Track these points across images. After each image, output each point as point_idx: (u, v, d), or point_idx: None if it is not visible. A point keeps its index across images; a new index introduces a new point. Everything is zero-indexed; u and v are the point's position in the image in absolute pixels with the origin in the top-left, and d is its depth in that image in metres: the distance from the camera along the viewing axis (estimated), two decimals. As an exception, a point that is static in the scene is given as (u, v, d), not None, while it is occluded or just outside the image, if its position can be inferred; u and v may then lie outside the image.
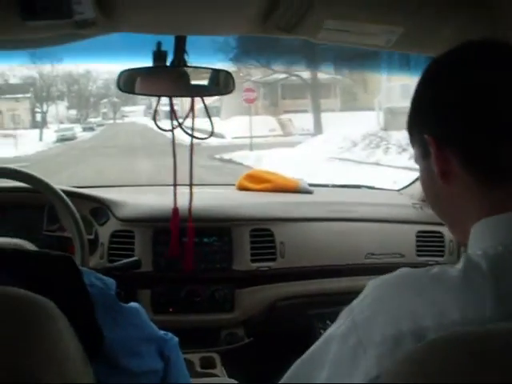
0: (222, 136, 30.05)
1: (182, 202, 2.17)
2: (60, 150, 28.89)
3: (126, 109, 67.33)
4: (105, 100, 64.41)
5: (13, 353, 0.68)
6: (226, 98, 34.22)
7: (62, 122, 51.95)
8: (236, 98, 34.39)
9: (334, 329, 0.80)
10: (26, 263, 0.89)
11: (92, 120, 56.81)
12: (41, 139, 36.84)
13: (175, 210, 2.17)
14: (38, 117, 49.47)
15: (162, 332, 1.17)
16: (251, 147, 22.08)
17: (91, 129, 49.00)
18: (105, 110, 66.11)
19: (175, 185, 2.16)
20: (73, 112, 59.85)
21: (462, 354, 0.64)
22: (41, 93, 47.11)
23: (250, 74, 31.15)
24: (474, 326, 0.68)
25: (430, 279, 0.76)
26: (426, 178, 0.92)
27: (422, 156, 0.90)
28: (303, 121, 32.45)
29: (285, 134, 32.69)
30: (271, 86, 36.18)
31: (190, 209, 2.16)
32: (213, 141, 25.50)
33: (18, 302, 0.74)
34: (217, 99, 37.46)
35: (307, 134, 29.09)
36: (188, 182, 2.17)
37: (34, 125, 47.13)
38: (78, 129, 46.41)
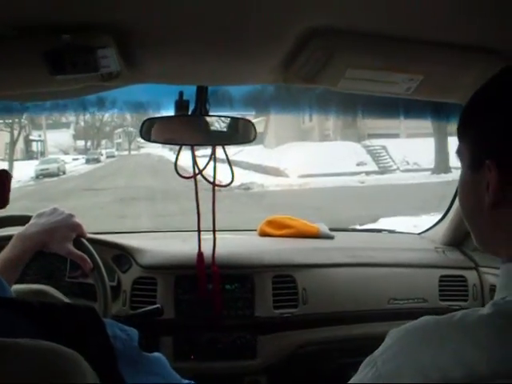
0: (280, 173, 22.11)
1: (204, 248, 2.19)
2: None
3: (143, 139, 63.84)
4: (119, 130, 60.08)
5: None
6: (274, 118, 27.78)
7: (66, 153, 47.88)
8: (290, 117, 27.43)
9: (358, 379, 0.79)
10: (51, 315, 0.90)
11: (103, 151, 51.61)
12: (10, 175, 29.12)
13: (200, 254, 2.19)
14: (35, 146, 44.92)
15: (185, 381, 1.16)
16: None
17: (96, 160, 42.11)
18: (119, 141, 62.11)
19: (199, 230, 2.18)
20: (81, 142, 55.33)
21: None
22: (39, 118, 40.51)
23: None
24: (502, 379, 0.68)
25: (454, 327, 0.75)
26: (465, 186, 0.91)
27: (471, 166, 0.87)
28: (396, 149, 23.59)
29: (380, 170, 23.29)
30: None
31: (213, 255, 2.18)
32: (270, 182, 19.91)
33: (49, 356, 0.75)
34: (258, 122, 30.28)
35: (418, 169, 21.34)
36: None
37: (29, 155, 41.03)
38: (82, 160, 42.07)
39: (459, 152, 0.91)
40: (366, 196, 14.00)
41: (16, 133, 33.51)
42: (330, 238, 2.62)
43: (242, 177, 19.56)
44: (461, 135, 0.91)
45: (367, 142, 26.14)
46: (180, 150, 2.10)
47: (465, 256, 2.46)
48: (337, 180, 18.94)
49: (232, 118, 1.97)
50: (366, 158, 24.19)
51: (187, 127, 1.96)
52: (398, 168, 22.91)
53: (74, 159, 42.72)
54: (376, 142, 25.44)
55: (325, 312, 2.29)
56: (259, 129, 32.10)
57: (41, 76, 1.30)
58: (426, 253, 2.53)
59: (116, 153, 53.43)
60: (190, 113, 1.89)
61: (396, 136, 25.53)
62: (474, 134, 0.87)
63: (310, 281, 2.28)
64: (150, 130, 1.92)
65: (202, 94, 1.85)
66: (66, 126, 53.22)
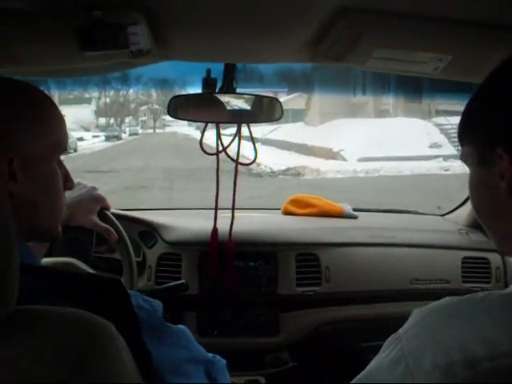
0: (334, 156, 18.98)
1: (225, 225, 2.21)
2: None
3: (169, 117, 59.79)
4: (144, 107, 58.04)
5: (78, 368, 0.72)
6: (318, 94, 25.60)
7: (87, 130, 46.24)
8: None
9: (382, 357, 0.80)
10: (79, 285, 0.93)
11: (127, 129, 50.33)
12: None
13: (215, 230, 2.21)
14: None
15: (210, 355, 1.19)
16: None
17: (117, 137, 40.15)
18: (144, 118, 59.28)
19: (216, 208, 2.21)
20: (104, 119, 53.15)
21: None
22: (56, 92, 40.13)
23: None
24: None
25: (476, 306, 0.76)
26: (478, 186, 0.90)
27: (478, 162, 0.87)
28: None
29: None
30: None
31: (230, 231, 2.20)
32: (327, 166, 16.85)
33: (82, 322, 0.78)
34: (294, 97, 29.38)
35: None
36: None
37: None
38: (102, 137, 39.95)
39: (465, 156, 0.91)
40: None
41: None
42: (354, 217, 2.63)
43: (285, 159, 17.74)
44: (465, 138, 0.92)
45: (439, 120, 21.89)
46: (206, 127, 2.12)
47: (488, 238, 2.46)
48: (411, 166, 15.95)
49: (259, 96, 1.98)
50: (440, 139, 20.37)
51: (214, 105, 1.97)
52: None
53: (94, 136, 41.24)
54: (448, 120, 20.22)
55: (347, 291, 2.31)
56: (299, 105, 28.98)
57: (71, 52, 1.31)
58: (449, 234, 2.53)
59: (140, 131, 51.72)
60: (217, 90, 1.90)
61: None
62: (481, 130, 0.87)
63: (333, 259, 2.30)
64: (177, 107, 1.95)
65: (229, 72, 1.86)
66: (88, 101, 51.55)
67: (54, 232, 1.09)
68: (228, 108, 1.97)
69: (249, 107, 1.99)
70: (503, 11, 1.24)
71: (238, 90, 1.91)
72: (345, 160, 18.33)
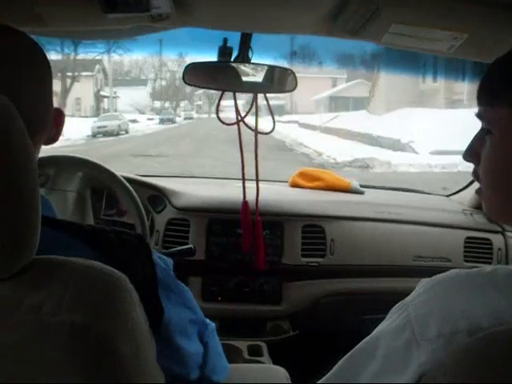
0: (403, 147, 17.76)
1: (239, 195, 2.23)
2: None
3: (224, 103, 59.09)
4: (200, 91, 53.47)
5: (94, 316, 0.75)
6: (384, 78, 24.46)
7: (142, 112, 46.65)
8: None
9: (387, 324, 0.82)
10: (102, 239, 0.95)
11: (182, 113, 49.63)
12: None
13: (245, 203, 2.22)
14: (106, 103, 43.08)
15: (207, 320, 1.21)
16: None
17: (171, 121, 39.26)
18: (199, 103, 58.51)
19: (244, 179, 2.21)
20: (160, 103, 52.55)
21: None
22: (113, 73, 38.59)
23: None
24: None
25: (484, 279, 0.77)
26: None
27: None
28: None
29: None
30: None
31: (256, 204, 2.22)
32: (397, 159, 15.66)
33: (98, 274, 0.80)
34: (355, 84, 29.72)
35: None
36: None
37: (98, 113, 36.99)
38: (156, 120, 39.61)
39: (495, 118, 0.83)
40: None
41: (69, 82, 31.63)
42: (361, 193, 2.66)
43: (348, 149, 16.62)
44: (500, 96, 0.83)
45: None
46: (222, 96, 2.14)
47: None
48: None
49: (274, 66, 2.00)
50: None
51: (229, 74, 1.98)
52: None
53: (149, 119, 41.26)
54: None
55: (351, 264, 2.34)
56: (360, 93, 28.32)
57: (94, 14, 1.33)
58: (454, 214, 2.55)
59: (195, 115, 50.59)
60: (232, 60, 1.91)
61: None
62: None
63: (338, 232, 2.33)
64: (193, 75, 1.96)
65: (245, 41, 1.86)
66: (143, 83, 51.15)
67: None
68: (243, 77, 1.98)
69: (264, 77, 1.99)
70: None
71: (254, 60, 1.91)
72: (415, 152, 17.11)
